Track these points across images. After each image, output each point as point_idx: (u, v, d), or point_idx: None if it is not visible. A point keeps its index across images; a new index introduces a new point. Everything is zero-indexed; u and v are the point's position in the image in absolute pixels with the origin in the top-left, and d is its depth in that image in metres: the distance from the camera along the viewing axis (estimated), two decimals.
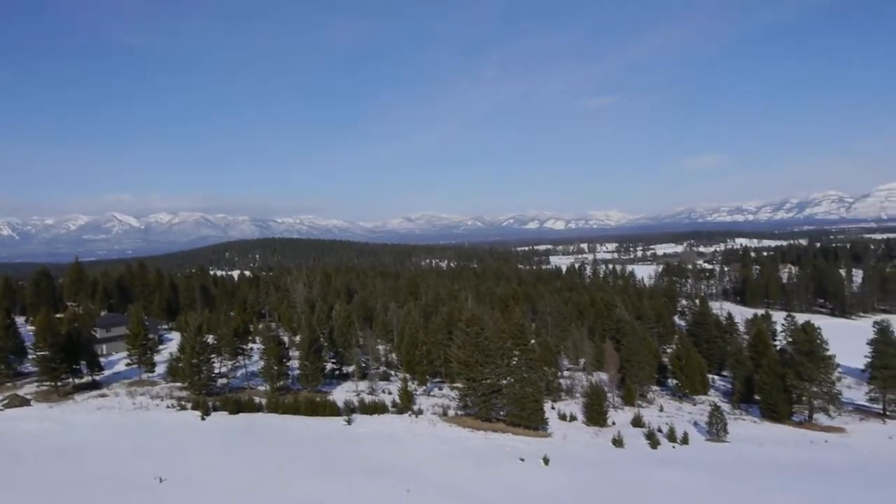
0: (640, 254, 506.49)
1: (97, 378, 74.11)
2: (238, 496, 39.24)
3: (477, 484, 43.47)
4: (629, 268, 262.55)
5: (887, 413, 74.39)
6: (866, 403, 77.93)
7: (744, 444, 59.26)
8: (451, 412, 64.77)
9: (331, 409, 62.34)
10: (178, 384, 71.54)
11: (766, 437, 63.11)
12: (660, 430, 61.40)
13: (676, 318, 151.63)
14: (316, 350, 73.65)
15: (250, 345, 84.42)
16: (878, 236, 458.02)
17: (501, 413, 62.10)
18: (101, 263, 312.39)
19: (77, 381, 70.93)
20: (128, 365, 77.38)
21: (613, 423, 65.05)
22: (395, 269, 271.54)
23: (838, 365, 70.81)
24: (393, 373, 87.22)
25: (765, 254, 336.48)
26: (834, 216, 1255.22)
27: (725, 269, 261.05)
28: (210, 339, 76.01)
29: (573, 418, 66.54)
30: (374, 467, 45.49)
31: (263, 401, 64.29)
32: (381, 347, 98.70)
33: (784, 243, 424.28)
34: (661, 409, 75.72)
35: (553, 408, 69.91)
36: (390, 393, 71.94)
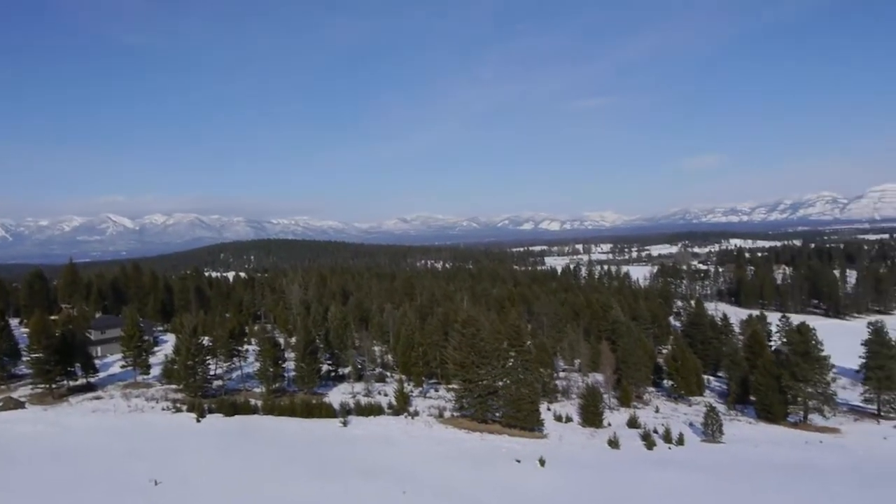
0: (635, 254, 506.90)
1: (92, 380, 73.88)
2: (234, 498, 39.13)
3: (473, 485, 43.44)
4: (624, 269, 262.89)
5: (882, 414, 74.65)
6: (861, 404, 78.23)
7: (739, 445, 59.40)
8: (447, 413, 64.75)
9: (327, 411, 62.20)
10: (174, 386, 71.39)
11: (761, 438, 63.28)
12: (655, 432, 61.46)
13: (672, 319, 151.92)
14: (312, 352, 73.54)
15: (246, 346, 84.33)
16: (872, 237, 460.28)
17: (497, 414, 62.09)
18: (95, 265, 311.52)
19: (72, 383, 70.73)
20: (123, 367, 77.20)
21: (609, 425, 65.08)
22: (390, 270, 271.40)
23: (833, 366, 71.04)
24: (389, 374, 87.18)
25: (759, 254, 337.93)
26: (828, 217, 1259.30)
27: (720, 269, 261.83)
28: (205, 340, 75.77)
29: (569, 419, 66.60)
30: (370, 469, 45.41)
31: (259, 403, 64.18)
32: (376, 349, 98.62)
33: (778, 244, 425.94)
34: (657, 410, 75.86)
35: (549, 409, 69.95)
36: (386, 394, 71.88)
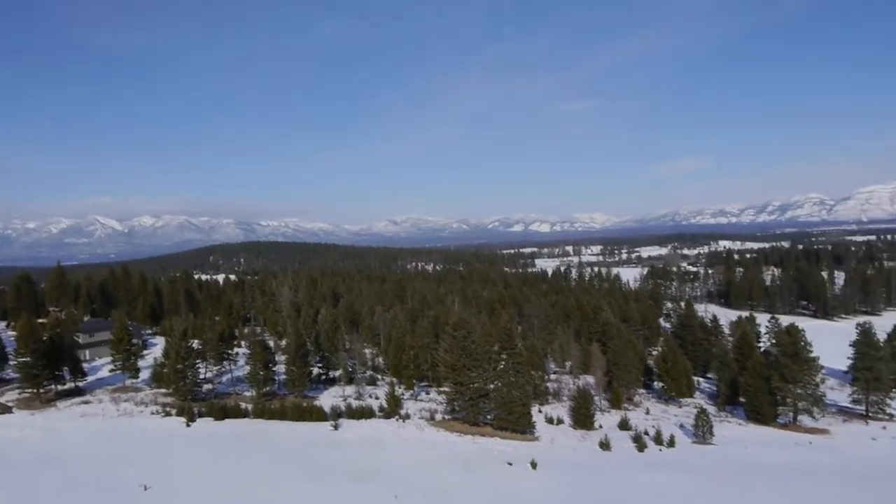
0: (625, 256, 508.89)
1: (80, 384, 73.34)
2: (224, 503, 38.91)
3: (465, 489, 43.40)
4: (614, 270, 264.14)
5: (870, 414, 75.23)
6: (849, 405, 78.78)
7: (729, 447, 59.69)
8: (438, 416, 64.68)
9: (317, 414, 61.96)
10: (163, 390, 70.94)
11: (751, 439, 63.61)
12: (646, 433, 61.65)
13: (662, 321, 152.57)
14: (302, 355, 73.33)
15: (236, 350, 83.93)
16: (859, 238, 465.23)
17: (489, 417, 62.04)
18: (83, 267, 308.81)
19: (60, 387, 70.09)
20: (111, 371, 76.67)
21: (600, 427, 65.23)
22: (380, 272, 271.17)
23: (822, 367, 71.41)
24: (380, 377, 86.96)
25: (748, 256, 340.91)
26: (815, 218, 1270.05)
27: (709, 271, 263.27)
28: (195, 344, 75.26)
29: (560, 422, 66.66)
30: (362, 472, 45.27)
31: (249, 406, 63.84)
32: (367, 352, 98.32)
33: (767, 245, 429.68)
34: (648, 412, 76.09)
35: (540, 411, 69.92)
36: (377, 397, 71.70)
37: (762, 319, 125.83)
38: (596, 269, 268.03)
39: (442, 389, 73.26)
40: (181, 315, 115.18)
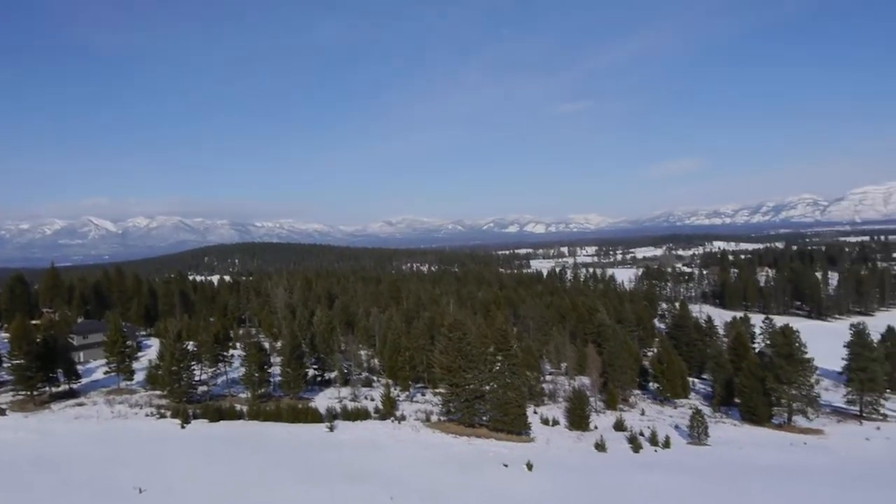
0: (619, 257, 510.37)
1: (74, 386, 73.00)
2: None
3: (460, 490, 43.42)
4: (609, 271, 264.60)
5: (864, 415, 75.49)
6: (844, 405, 79.10)
7: (724, 447, 59.86)
8: (434, 418, 64.63)
9: (313, 416, 61.88)
10: (158, 392, 70.71)
11: (746, 440, 63.78)
12: (642, 434, 61.75)
13: (657, 322, 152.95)
14: (297, 356, 73.17)
15: (231, 351, 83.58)
16: (853, 239, 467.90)
17: (484, 418, 62.05)
18: (77, 269, 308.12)
19: (54, 389, 69.80)
20: (106, 373, 76.19)
21: (596, 428, 65.35)
22: (376, 273, 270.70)
23: (816, 367, 71.65)
24: (375, 379, 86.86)
25: (742, 257, 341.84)
26: (809, 219, 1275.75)
27: (704, 272, 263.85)
28: (190, 345, 75.02)
29: (556, 423, 66.70)
30: (357, 474, 45.26)
31: (245, 408, 63.71)
32: (363, 353, 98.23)
33: (761, 246, 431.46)
34: (643, 413, 76.20)
35: (536, 412, 70.02)
36: (373, 399, 71.61)
37: (757, 320, 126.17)
38: (591, 269, 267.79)
39: (437, 391, 73.17)
40: (176, 316, 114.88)
